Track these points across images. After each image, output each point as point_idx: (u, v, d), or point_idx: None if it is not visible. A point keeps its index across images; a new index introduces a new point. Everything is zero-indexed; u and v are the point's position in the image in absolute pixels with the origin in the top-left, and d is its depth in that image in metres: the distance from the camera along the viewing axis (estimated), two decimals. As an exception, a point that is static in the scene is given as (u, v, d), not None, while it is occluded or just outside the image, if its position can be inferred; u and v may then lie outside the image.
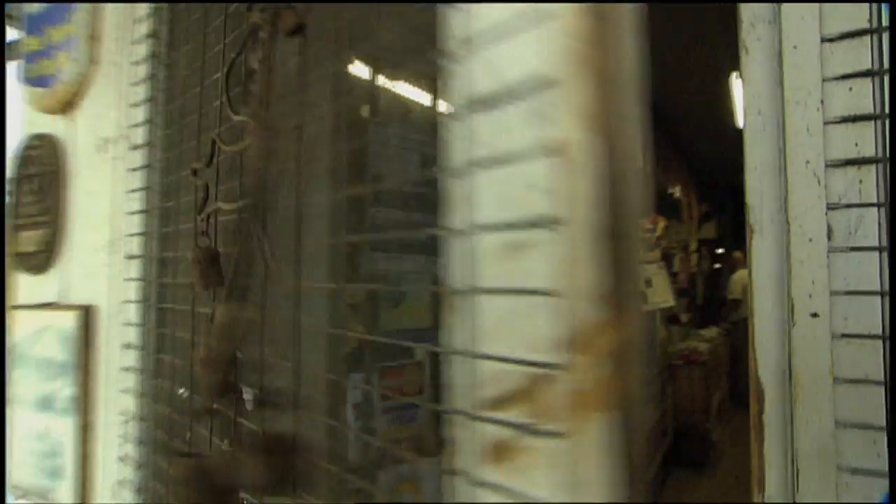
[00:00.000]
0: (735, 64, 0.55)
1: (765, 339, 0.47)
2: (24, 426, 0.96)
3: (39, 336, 0.99)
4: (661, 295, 5.39)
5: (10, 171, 1.04)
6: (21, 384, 1.01)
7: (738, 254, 8.40)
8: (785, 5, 0.45)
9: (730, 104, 5.04)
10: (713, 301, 10.35)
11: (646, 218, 5.55)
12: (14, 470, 0.95)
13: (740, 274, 8.47)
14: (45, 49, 1.02)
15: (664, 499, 4.48)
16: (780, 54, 0.46)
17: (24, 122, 1.07)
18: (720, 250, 11.37)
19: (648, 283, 5.48)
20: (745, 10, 0.49)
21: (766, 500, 0.47)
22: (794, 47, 0.45)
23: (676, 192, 7.61)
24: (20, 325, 1.04)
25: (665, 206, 7.83)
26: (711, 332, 7.58)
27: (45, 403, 0.97)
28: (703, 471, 5.05)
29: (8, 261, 1.02)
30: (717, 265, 11.62)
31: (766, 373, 0.47)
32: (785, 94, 0.46)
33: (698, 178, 8.93)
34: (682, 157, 7.68)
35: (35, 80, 1.04)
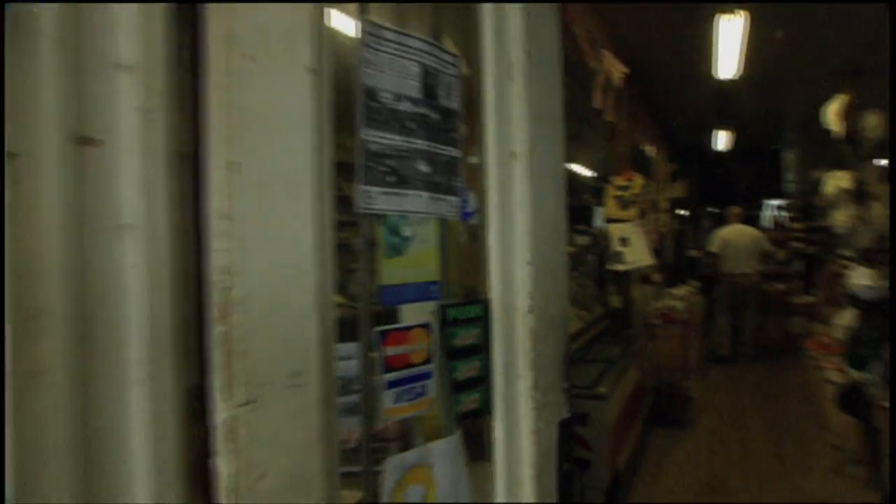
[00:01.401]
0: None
1: None
2: None
3: None
4: (639, 254, 5.27)
5: None
6: None
7: (735, 209, 8.05)
8: None
9: (709, 53, 4.83)
10: (682, 260, 10.43)
11: (621, 174, 5.40)
12: None
13: (722, 231, 8.05)
14: None
15: (648, 459, 4.42)
16: None
17: None
18: (684, 211, 11.45)
19: (625, 241, 5.35)
20: None
21: None
22: None
23: (649, 149, 7.49)
24: None
25: (637, 164, 7.74)
26: (682, 290, 7.59)
27: None
28: (684, 428, 5.03)
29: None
30: (689, 225, 11.71)
31: None
32: None
33: (666, 136, 8.84)
34: (653, 112, 7.54)
35: None
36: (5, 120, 0.61)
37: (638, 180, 5.31)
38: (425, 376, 1.10)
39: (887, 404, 3.45)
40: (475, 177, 1.25)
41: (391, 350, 1.05)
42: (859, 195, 3.91)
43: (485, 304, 1.20)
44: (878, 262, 3.87)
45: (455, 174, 1.17)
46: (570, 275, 5.46)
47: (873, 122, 3.98)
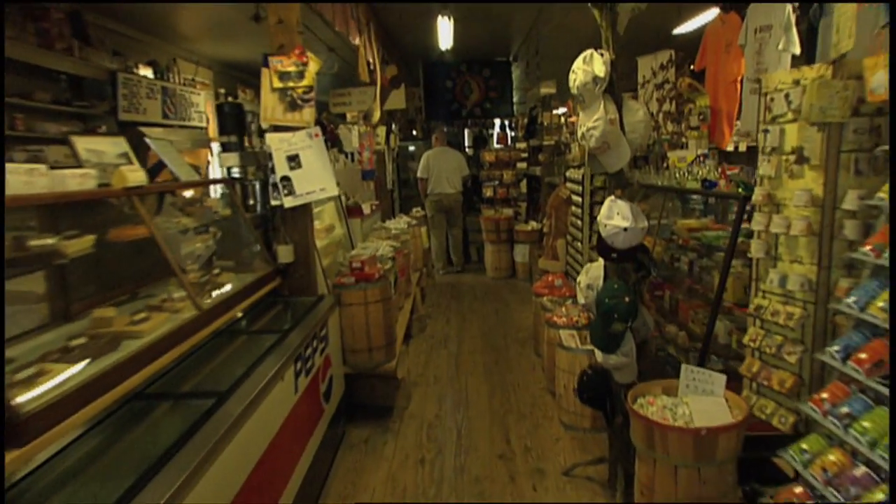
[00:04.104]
0: None
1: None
2: None
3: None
4: (317, 180, 3.44)
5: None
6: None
7: (437, 133, 7.84)
8: None
9: None
10: (405, 185, 9.11)
11: (289, 51, 3.41)
12: None
13: (428, 153, 7.66)
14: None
15: (334, 487, 2.82)
16: None
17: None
18: (414, 131, 10.10)
19: (296, 162, 3.47)
20: None
21: None
22: None
23: (356, 39, 5.52)
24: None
25: (346, 71, 5.81)
26: (400, 222, 6.14)
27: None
28: (387, 424, 3.57)
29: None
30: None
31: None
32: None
33: (387, 32, 7.05)
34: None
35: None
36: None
37: (314, 65, 3.40)
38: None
39: (636, 406, 2.26)
40: None
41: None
42: (612, 87, 2.52)
43: None
44: (619, 193, 2.61)
45: None
46: (213, 217, 3.29)
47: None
